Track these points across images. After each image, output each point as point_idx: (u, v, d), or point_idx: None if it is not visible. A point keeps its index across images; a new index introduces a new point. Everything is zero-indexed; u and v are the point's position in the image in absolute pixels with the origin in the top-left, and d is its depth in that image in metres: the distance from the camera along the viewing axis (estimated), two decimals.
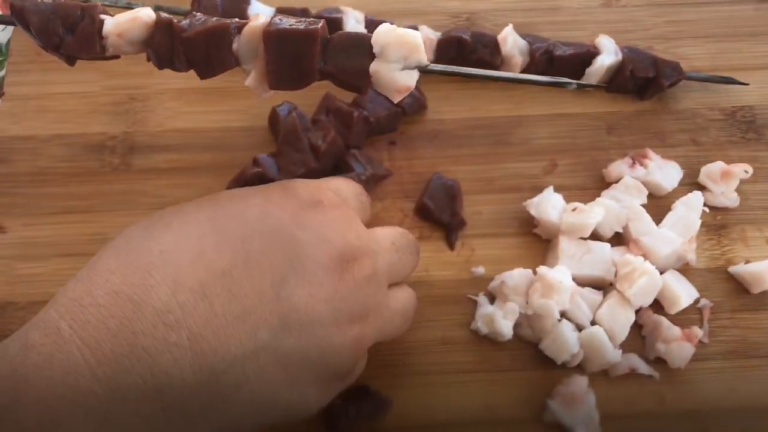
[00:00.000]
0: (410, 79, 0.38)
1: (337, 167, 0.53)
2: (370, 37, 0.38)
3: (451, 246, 0.51)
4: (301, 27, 0.37)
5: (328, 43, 0.38)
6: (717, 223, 0.53)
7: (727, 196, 0.53)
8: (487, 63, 0.56)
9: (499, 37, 0.55)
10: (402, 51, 0.37)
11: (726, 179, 0.53)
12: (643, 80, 0.56)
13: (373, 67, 0.37)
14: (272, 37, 0.37)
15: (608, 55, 0.56)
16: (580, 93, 0.57)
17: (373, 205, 0.53)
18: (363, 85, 0.39)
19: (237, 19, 0.39)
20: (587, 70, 0.56)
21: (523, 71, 0.57)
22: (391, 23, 0.55)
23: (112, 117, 0.55)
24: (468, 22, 0.60)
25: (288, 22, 0.38)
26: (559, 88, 0.36)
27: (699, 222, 0.51)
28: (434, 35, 0.56)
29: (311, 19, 0.38)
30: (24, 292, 0.49)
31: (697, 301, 0.49)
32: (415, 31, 0.37)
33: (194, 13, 0.40)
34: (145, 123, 0.55)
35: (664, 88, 0.56)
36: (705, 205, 0.52)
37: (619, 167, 0.53)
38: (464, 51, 0.56)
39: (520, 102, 0.57)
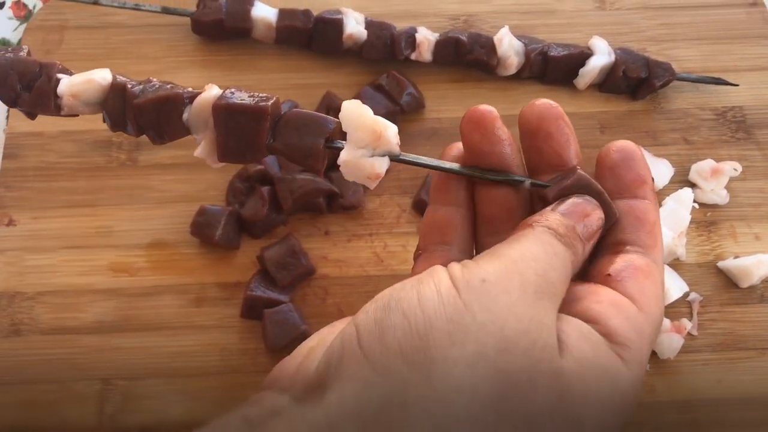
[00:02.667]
0: (380, 166, 0.36)
1: (337, 164, 0.54)
2: (323, 118, 0.36)
3: None
4: (251, 103, 0.36)
5: (279, 119, 0.37)
6: (707, 219, 0.54)
7: (716, 193, 0.54)
8: (484, 63, 0.57)
9: (495, 39, 0.57)
10: (371, 138, 0.35)
11: (716, 177, 0.54)
12: (636, 81, 0.57)
13: (342, 156, 0.36)
14: (221, 111, 0.36)
15: (601, 56, 0.57)
16: (574, 93, 0.59)
17: (371, 201, 0.54)
18: (314, 165, 0.36)
19: (191, 89, 0.38)
20: (581, 71, 0.57)
21: (518, 72, 0.58)
22: (393, 26, 0.57)
23: None
24: (466, 24, 0.62)
25: (239, 97, 0.36)
26: (514, 184, 0.35)
27: (689, 218, 0.52)
28: (432, 36, 0.58)
29: (264, 95, 0.37)
30: (32, 283, 0.51)
31: (686, 295, 0.51)
32: (384, 121, 0.36)
33: (150, 78, 0.39)
34: None
35: (656, 89, 0.58)
36: (695, 201, 0.53)
37: None
38: (461, 52, 0.57)
39: (516, 101, 0.58)
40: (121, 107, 0.39)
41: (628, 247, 0.34)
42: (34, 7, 0.63)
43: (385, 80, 0.57)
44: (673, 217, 0.52)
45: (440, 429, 0.27)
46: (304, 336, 0.47)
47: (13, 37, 0.62)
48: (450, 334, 0.28)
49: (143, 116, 0.38)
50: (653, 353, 0.49)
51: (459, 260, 0.34)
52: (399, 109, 0.56)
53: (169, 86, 0.38)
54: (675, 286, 0.50)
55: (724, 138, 0.57)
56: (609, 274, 0.33)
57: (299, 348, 0.34)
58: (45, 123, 0.57)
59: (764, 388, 0.48)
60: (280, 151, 0.37)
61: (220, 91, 0.37)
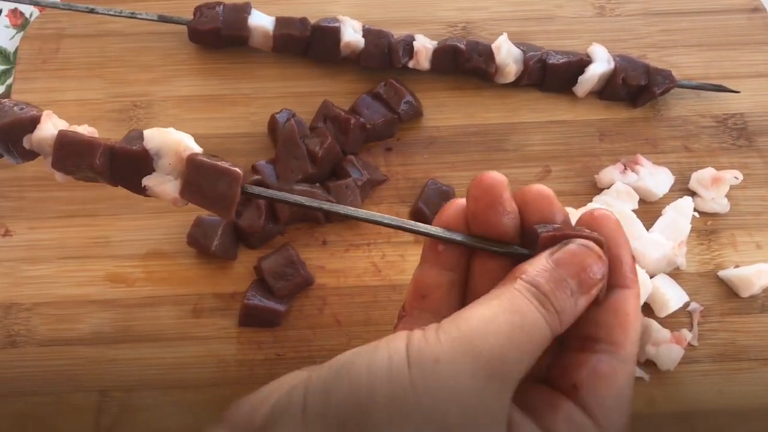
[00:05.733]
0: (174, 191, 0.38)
1: (335, 173, 0.54)
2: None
3: None
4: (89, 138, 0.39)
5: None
6: (707, 228, 0.53)
7: (717, 201, 0.54)
8: (482, 71, 0.57)
9: (494, 46, 0.57)
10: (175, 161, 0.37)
11: (716, 185, 0.54)
12: (636, 88, 0.57)
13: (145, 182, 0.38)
14: (110, 153, 0.38)
15: (601, 64, 0.57)
16: (573, 100, 0.58)
17: (369, 210, 0.54)
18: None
19: (35, 111, 0.40)
20: (580, 78, 0.57)
21: (517, 79, 0.58)
22: (390, 34, 0.57)
23: (115, 123, 0.57)
24: (464, 31, 0.61)
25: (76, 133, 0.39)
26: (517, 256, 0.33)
27: (689, 227, 0.52)
28: (430, 44, 0.57)
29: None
30: (29, 294, 0.51)
31: (686, 305, 0.50)
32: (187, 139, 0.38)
33: (2, 101, 0.40)
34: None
35: (656, 96, 0.57)
36: (695, 210, 0.53)
37: (610, 173, 0.54)
38: (459, 59, 0.57)
39: (514, 109, 0.58)
40: None
41: (596, 345, 0.32)
42: (31, 15, 0.63)
43: (382, 88, 0.56)
44: (673, 226, 0.51)
45: None
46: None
47: (10, 45, 0.62)
48: (390, 415, 0.27)
49: None
50: (653, 364, 0.48)
51: None
52: (397, 117, 0.56)
53: (17, 108, 0.39)
54: (675, 296, 0.49)
55: (725, 145, 0.57)
56: (574, 385, 0.31)
57: (263, 388, 0.32)
58: None
59: (765, 399, 0.48)
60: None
61: (58, 125, 0.39)
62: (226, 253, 0.51)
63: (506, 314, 0.29)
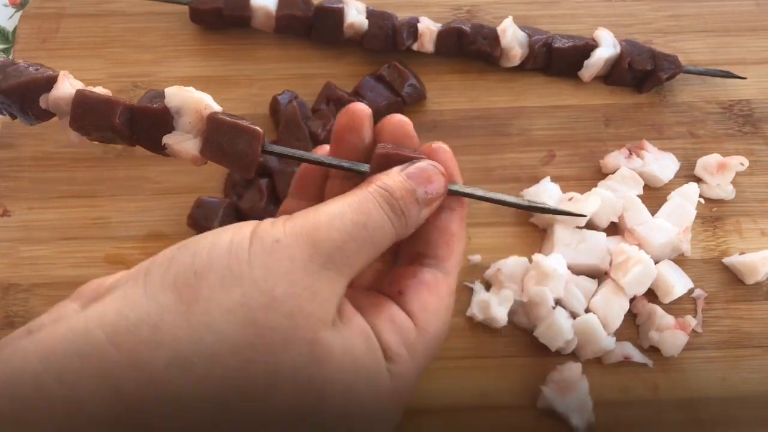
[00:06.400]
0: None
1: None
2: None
3: None
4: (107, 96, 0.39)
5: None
6: (712, 214, 0.53)
7: (722, 188, 0.53)
8: (487, 54, 0.56)
9: (499, 29, 0.56)
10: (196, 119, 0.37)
11: (722, 171, 0.53)
12: (642, 73, 0.57)
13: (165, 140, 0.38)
14: (129, 112, 0.39)
15: (606, 48, 0.56)
16: (579, 85, 0.58)
17: None
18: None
19: (51, 71, 0.40)
20: (586, 62, 0.56)
21: (522, 63, 0.57)
22: (395, 16, 0.56)
23: None
24: (469, 14, 0.61)
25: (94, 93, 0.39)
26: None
27: (694, 213, 0.51)
28: (435, 27, 0.57)
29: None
30: (27, 274, 0.50)
31: (691, 291, 0.50)
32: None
33: (15, 60, 0.41)
34: None
35: (662, 81, 0.57)
36: (701, 196, 0.53)
37: (615, 158, 0.53)
38: (464, 42, 0.56)
39: (519, 93, 0.57)
40: None
41: (423, 259, 0.35)
42: None
43: (386, 71, 0.56)
44: (679, 212, 0.51)
45: (183, 358, 0.28)
46: None
47: (9, 24, 0.61)
48: (222, 279, 0.29)
49: (8, 100, 0.39)
50: (657, 351, 0.48)
51: None
52: (400, 100, 0.55)
53: (33, 69, 0.39)
54: (680, 283, 0.49)
55: (731, 132, 0.56)
56: (399, 292, 0.34)
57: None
58: None
59: None
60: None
61: (75, 85, 0.39)
62: None
63: (353, 213, 0.32)
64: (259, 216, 0.50)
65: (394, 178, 0.33)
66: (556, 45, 0.56)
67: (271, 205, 0.51)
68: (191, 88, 0.38)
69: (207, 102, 0.37)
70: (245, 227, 0.31)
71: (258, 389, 0.28)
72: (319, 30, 0.57)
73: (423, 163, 0.35)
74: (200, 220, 0.50)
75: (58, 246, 0.51)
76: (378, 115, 0.54)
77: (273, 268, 0.29)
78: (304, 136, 0.52)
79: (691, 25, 0.61)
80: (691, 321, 0.49)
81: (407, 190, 0.33)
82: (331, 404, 0.30)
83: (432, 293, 0.34)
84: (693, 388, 0.48)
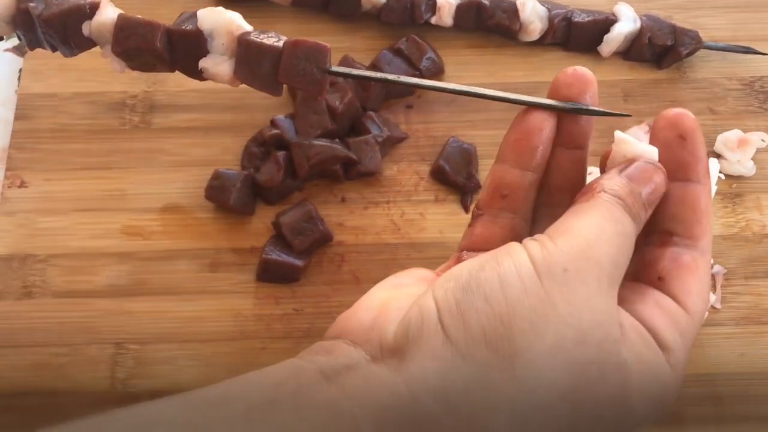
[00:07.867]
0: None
1: (354, 129, 0.53)
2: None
3: (465, 209, 0.52)
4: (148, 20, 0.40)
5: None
6: (732, 191, 0.53)
7: (743, 164, 0.53)
8: (506, 28, 0.56)
9: (519, 3, 0.55)
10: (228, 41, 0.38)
11: (742, 147, 0.53)
12: (661, 48, 0.56)
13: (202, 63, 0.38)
14: (167, 36, 0.39)
15: (627, 23, 0.56)
16: (598, 60, 0.57)
17: (389, 168, 0.53)
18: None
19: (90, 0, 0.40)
20: (605, 37, 0.56)
21: (541, 38, 0.57)
22: None
23: (132, 76, 0.55)
24: None
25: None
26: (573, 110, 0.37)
27: (715, 189, 0.51)
28: (453, 0, 0.56)
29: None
30: (44, 245, 0.50)
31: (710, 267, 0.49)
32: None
33: None
34: (165, 83, 0.56)
35: (682, 57, 0.56)
36: (721, 172, 0.52)
37: (635, 134, 0.53)
38: (483, 16, 0.56)
39: (538, 68, 0.57)
40: (30, 23, 0.40)
41: (675, 238, 0.34)
42: None
43: (404, 44, 0.55)
44: None
45: (519, 416, 0.28)
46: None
47: None
48: (533, 325, 0.28)
49: (50, 30, 0.39)
50: None
51: (522, 229, 0.37)
52: (418, 74, 0.55)
53: None
54: None
55: (751, 108, 0.56)
56: (660, 278, 0.33)
57: (366, 301, 0.34)
58: (58, 84, 0.56)
59: None
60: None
61: (116, 12, 0.40)
62: (244, 207, 0.51)
63: (611, 224, 0.31)
64: (277, 188, 0.50)
65: (618, 182, 0.33)
66: (575, 19, 0.56)
67: (289, 178, 0.51)
68: (221, 8, 0.38)
69: (238, 23, 0.37)
70: (518, 255, 0.30)
71: (582, 429, 0.29)
72: (336, 3, 0.57)
73: (642, 163, 0.34)
74: (218, 192, 0.50)
75: (74, 217, 0.51)
76: (395, 89, 0.54)
77: (573, 300, 0.29)
78: (321, 110, 0.52)
79: (712, 1, 0.60)
80: (711, 297, 0.48)
81: (634, 194, 0.32)
82: (636, 416, 0.30)
83: (694, 276, 0.33)
84: (711, 364, 0.47)
